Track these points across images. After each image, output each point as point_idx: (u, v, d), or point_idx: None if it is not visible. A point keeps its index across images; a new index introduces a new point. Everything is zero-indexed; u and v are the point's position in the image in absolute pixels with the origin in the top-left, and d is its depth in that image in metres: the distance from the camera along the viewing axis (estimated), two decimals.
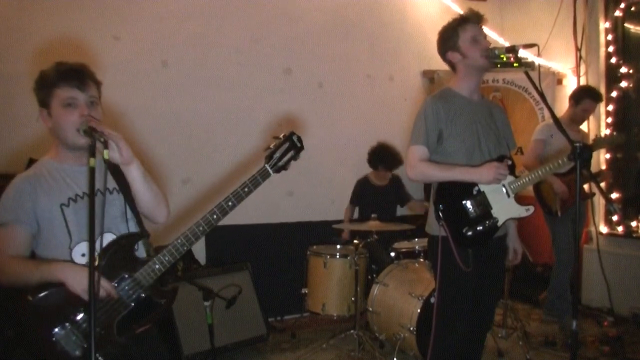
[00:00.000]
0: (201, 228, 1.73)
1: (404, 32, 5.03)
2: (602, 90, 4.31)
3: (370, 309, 3.58)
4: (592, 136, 4.02)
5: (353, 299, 3.63)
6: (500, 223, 2.31)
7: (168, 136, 3.99)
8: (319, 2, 4.62)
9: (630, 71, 4.38)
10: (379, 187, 4.44)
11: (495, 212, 2.30)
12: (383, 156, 4.32)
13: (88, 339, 1.37)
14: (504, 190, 2.33)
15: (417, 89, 5.13)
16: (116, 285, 1.64)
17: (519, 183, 2.33)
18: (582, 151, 1.84)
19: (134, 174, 1.76)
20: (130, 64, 3.81)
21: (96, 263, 1.46)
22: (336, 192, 4.67)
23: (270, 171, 1.84)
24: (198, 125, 4.12)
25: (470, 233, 2.25)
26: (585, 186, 3.85)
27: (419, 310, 3.19)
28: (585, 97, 3.83)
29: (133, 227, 1.79)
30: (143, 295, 1.68)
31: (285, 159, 1.87)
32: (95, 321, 1.34)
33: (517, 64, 2.22)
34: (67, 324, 1.57)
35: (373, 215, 3.78)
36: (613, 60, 4.45)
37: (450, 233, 2.24)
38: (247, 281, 3.72)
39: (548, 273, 4.20)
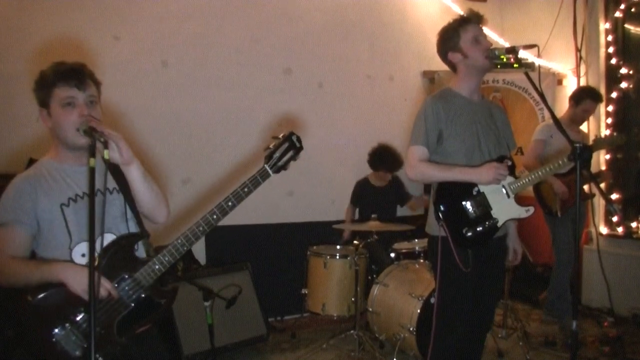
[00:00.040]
0: (201, 228, 1.73)
1: (404, 32, 5.03)
2: (602, 90, 4.31)
3: (370, 309, 3.58)
4: (592, 137, 4.02)
5: (353, 299, 3.63)
6: (500, 224, 2.31)
7: (168, 136, 3.99)
8: (319, 2, 4.61)
9: (630, 72, 4.38)
10: (379, 187, 4.44)
11: (495, 212, 2.30)
12: (384, 158, 4.32)
13: (88, 339, 1.37)
14: (503, 190, 2.33)
15: (417, 89, 5.13)
16: (116, 285, 1.64)
17: (519, 184, 2.33)
18: (582, 152, 1.84)
19: (134, 174, 1.76)
20: (130, 64, 3.81)
21: (96, 263, 1.46)
22: (336, 192, 4.67)
23: (270, 171, 1.84)
24: (198, 125, 4.11)
25: (470, 234, 2.25)
26: (585, 187, 3.85)
27: (419, 311, 3.19)
28: (585, 98, 3.83)
29: (133, 227, 1.79)
30: (143, 295, 1.68)
31: (285, 159, 1.87)
32: (95, 321, 1.34)
33: (517, 65, 2.22)
34: (67, 325, 1.57)
35: (373, 216, 3.78)
36: (613, 61, 4.45)
37: (450, 233, 2.24)
38: (247, 281, 3.72)
39: (548, 273, 4.20)
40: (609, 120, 4.46)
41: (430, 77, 5.09)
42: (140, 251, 1.79)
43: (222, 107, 4.20)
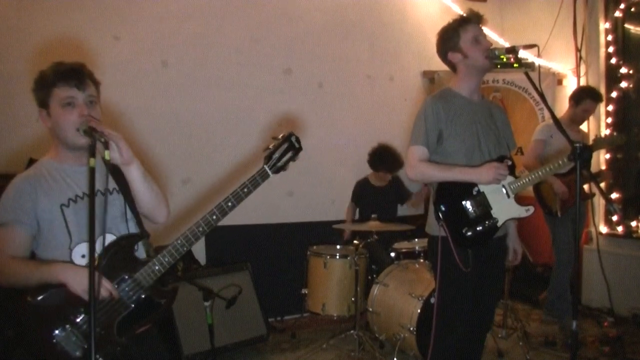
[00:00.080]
0: (201, 229, 1.73)
1: (404, 32, 5.03)
2: (602, 90, 4.31)
3: (371, 309, 3.58)
4: (592, 136, 4.02)
5: (353, 299, 3.63)
6: (500, 223, 2.31)
7: (168, 136, 3.99)
8: (319, 2, 4.61)
9: (630, 71, 4.38)
10: (379, 187, 4.44)
11: (495, 212, 2.30)
12: (384, 158, 4.32)
13: (88, 339, 1.36)
14: (503, 190, 2.33)
15: (417, 89, 5.13)
16: (116, 286, 1.64)
17: (519, 183, 2.33)
18: (582, 151, 1.84)
19: (134, 174, 1.76)
20: (130, 64, 3.81)
21: (96, 264, 1.46)
22: (336, 192, 4.67)
23: (269, 172, 1.84)
24: (198, 125, 4.11)
25: (470, 233, 2.25)
26: (585, 186, 3.85)
27: (419, 311, 3.19)
28: (585, 98, 3.83)
29: (133, 228, 1.79)
30: (143, 295, 1.68)
31: (284, 159, 1.87)
32: (95, 322, 1.34)
33: (517, 65, 2.22)
34: (67, 325, 1.57)
35: (373, 216, 3.78)
36: (613, 60, 4.45)
37: (450, 233, 2.24)
38: (247, 281, 3.72)
39: (548, 273, 4.20)
40: (609, 120, 4.46)
41: (430, 77, 5.09)
42: (140, 251, 1.79)
43: (222, 107, 4.20)
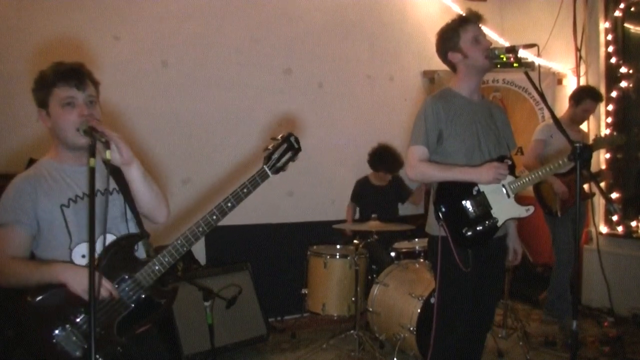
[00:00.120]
0: (201, 229, 1.73)
1: (404, 32, 5.03)
2: (602, 90, 4.31)
3: (371, 309, 3.58)
4: (592, 136, 4.02)
5: (353, 299, 3.63)
6: (500, 223, 2.31)
7: (168, 136, 3.99)
8: (319, 2, 4.61)
9: (630, 71, 4.38)
10: (379, 187, 4.45)
11: (495, 212, 2.30)
12: (384, 158, 4.32)
13: (88, 339, 1.36)
14: (503, 190, 2.33)
15: (417, 89, 5.13)
16: (117, 286, 1.64)
17: (519, 183, 2.33)
18: (582, 151, 1.84)
19: (134, 174, 1.76)
20: (130, 64, 3.81)
21: (96, 264, 1.46)
22: (336, 192, 4.67)
23: (269, 172, 1.85)
24: (198, 125, 4.11)
25: (470, 233, 2.25)
26: (586, 186, 3.85)
27: (419, 311, 3.19)
28: (585, 97, 3.83)
29: (133, 228, 1.79)
30: (143, 295, 1.68)
31: (284, 160, 1.87)
32: (95, 322, 1.34)
33: (517, 64, 2.22)
34: (67, 325, 1.57)
35: (373, 216, 3.78)
36: (613, 60, 4.45)
37: (450, 233, 2.24)
38: (247, 281, 3.72)
39: (548, 273, 4.20)
40: (609, 120, 4.46)
41: (430, 77, 5.09)
42: (140, 251, 1.79)
43: (222, 107, 4.20)
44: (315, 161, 4.43)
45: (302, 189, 4.53)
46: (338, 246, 3.97)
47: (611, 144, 3.98)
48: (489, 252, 2.34)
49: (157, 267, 1.69)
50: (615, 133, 4.26)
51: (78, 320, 1.58)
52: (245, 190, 1.79)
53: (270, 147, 1.87)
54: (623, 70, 4.40)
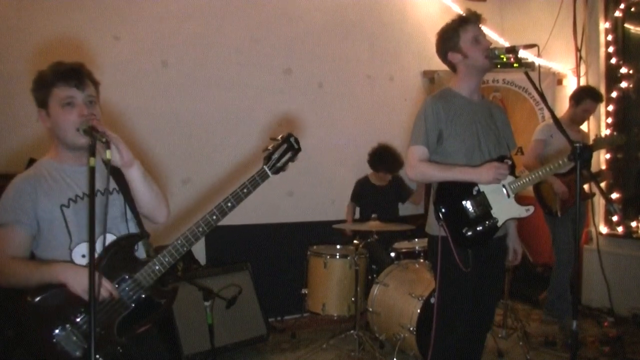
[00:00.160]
0: (201, 229, 1.73)
1: (404, 32, 5.02)
2: (602, 90, 4.31)
3: (371, 309, 3.58)
4: (592, 136, 4.02)
5: (353, 299, 3.63)
6: (500, 223, 2.31)
7: (168, 136, 3.99)
8: (319, 2, 4.61)
9: (630, 71, 4.38)
10: (379, 187, 4.45)
11: (495, 212, 2.30)
12: (384, 158, 4.32)
13: (88, 339, 1.36)
14: (504, 190, 2.33)
15: (417, 89, 5.13)
16: (117, 286, 1.64)
17: (519, 183, 2.33)
18: (582, 151, 1.84)
19: (135, 175, 1.76)
20: (130, 64, 3.80)
21: (96, 263, 1.46)
22: (336, 192, 4.67)
23: (269, 172, 1.85)
24: (198, 125, 4.11)
25: (470, 233, 2.25)
26: (586, 186, 3.85)
27: (419, 311, 3.19)
28: (585, 98, 3.83)
29: (133, 228, 1.79)
30: (143, 295, 1.68)
31: (283, 160, 1.88)
32: (95, 321, 1.34)
33: (517, 65, 2.22)
34: (67, 325, 1.57)
35: (373, 216, 3.78)
36: (613, 60, 4.45)
37: (450, 233, 2.24)
38: (247, 281, 3.72)
39: (548, 273, 4.20)
40: (609, 120, 4.46)
41: (430, 77, 5.09)
42: (140, 251, 1.79)
43: (222, 107, 4.20)
44: (315, 161, 4.43)
45: (302, 189, 4.53)
46: (338, 246, 3.97)
47: (611, 144, 3.98)
48: (489, 252, 2.34)
49: (157, 267, 1.69)
50: (615, 133, 4.26)
51: (78, 320, 1.58)
52: (245, 190, 1.79)
53: (270, 147, 1.87)
54: (623, 70, 4.40)
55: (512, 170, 2.35)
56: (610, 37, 4.45)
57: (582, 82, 4.62)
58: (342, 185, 4.60)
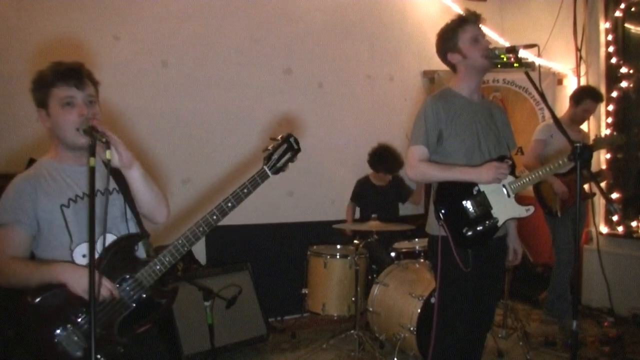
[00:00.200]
0: (201, 229, 1.74)
1: (404, 32, 5.02)
2: (603, 90, 4.30)
3: (371, 309, 3.58)
4: (592, 136, 4.02)
5: (353, 299, 3.63)
6: (500, 223, 2.31)
7: (168, 136, 3.99)
8: (319, 2, 4.61)
9: (631, 71, 4.38)
10: (379, 187, 4.45)
11: (495, 212, 2.30)
12: (384, 158, 4.32)
13: (88, 339, 1.36)
14: (504, 190, 2.33)
15: (417, 89, 5.13)
16: (118, 285, 1.64)
17: (519, 183, 2.33)
18: (583, 151, 1.84)
19: (135, 175, 1.76)
20: (130, 64, 3.81)
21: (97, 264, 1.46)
22: (336, 192, 4.67)
23: (269, 172, 1.85)
24: (198, 125, 4.11)
25: (470, 233, 2.25)
26: (586, 186, 3.85)
27: (419, 311, 3.19)
28: (585, 98, 3.83)
29: (133, 228, 1.79)
30: (144, 295, 1.68)
31: (283, 160, 1.88)
32: (95, 321, 1.34)
33: (517, 64, 2.22)
34: (68, 325, 1.57)
35: (373, 216, 3.78)
36: (613, 60, 4.45)
37: (450, 233, 2.24)
38: (247, 281, 3.72)
39: (548, 273, 4.20)
40: (609, 120, 4.46)
41: (430, 77, 5.09)
42: (140, 251, 1.80)
43: (222, 107, 4.20)
44: (315, 161, 4.43)
45: (302, 189, 4.53)
46: (338, 246, 3.97)
47: (611, 144, 3.98)
48: (489, 252, 2.34)
49: (158, 267, 1.69)
50: (615, 133, 4.26)
51: (79, 320, 1.58)
52: (245, 190, 1.79)
53: (270, 147, 1.88)
54: (623, 70, 4.40)
55: (512, 170, 2.34)
56: (610, 37, 4.45)
57: (582, 82, 4.61)
58: (342, 185, 4.60)
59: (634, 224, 4.35)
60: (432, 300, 3.07)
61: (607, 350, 3.56)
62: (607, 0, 4.46)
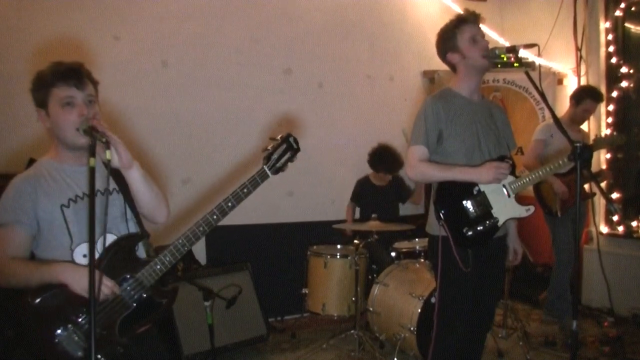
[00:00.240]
0: (201, 229, 1.74)
1: (404, 32, 5.02)
2: (603, 90, 4.30)
3: (371, 309, 3.58)
4: (592, 136, 4.02)
5: (353, 299, 3.63)
6: (500, 223, 2.31)
7: (168, 136, 3.99)
8: (319, 2, 4.61)
9: (631, 71, 4.38)
10: (380, 187, 4.45)
11: (495, 212, 2.30)
12: (384, 158, 4.32)
13: (88, 339, 1.36)
14: (504, 190, 2.33)
15: (417, 89, 5.13)
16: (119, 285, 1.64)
17: (519, 183, 2.33)
18: (583, 151, 1.84)
19: (134, 176, 1.76)
20: (130, 64, 3.81)
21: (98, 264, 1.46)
22: (336, 192, 4.67)
23: (269, 172, 1.85)
24: (198, 125, 4.11)
25: (470, 233, 2.25)
26: (586, 186, 3.85)
27: (419, 311, 3.19)
28: (586, 97, 3.83)
29: (133, 228, 1.79)
30: (144, 295, 1.68)
31: (283, 160, 1.89)
32: (95, 321, 1.34)
33: (517, 64, 2.22)
34: (69, 325, 1.57)
35: (373, 216, 3.78)
36: (613, 60, 4.45)
37: (450, 233, 2.24)
38: (247, 281, 3.72)
39: (548, 273, 4.20)
40: (610, 120, 4.46)
41: (430, 77, 5.09)
42: (141, 251, 1.79)
43: (222, 107, 4.20)
44: (315, 161, 4.43)
45: (302, 189, 4.53)
46: (338, 246, 3.97)
47: (611, 144, 3.98)
48: (489, 252, 2.34)
49: (158, 267, 1.69)
50: (615, 133, 4.26)
51: (80, 320, 1.58)
52: (245, 190, 1.79)
53: (269, 147, 1.88)
54: (623, 70, 4.40)
55: (512, 170, 2.34)
56: (610, 37, 4.45)
57: (583, 82, 4.61)
58: (342, 185, 4.60)
59: (634, 224, 4.35)
60: (432, 300, 3.07)
61: (607, 350, 3.56)
62: (607, 0, 4.46)
